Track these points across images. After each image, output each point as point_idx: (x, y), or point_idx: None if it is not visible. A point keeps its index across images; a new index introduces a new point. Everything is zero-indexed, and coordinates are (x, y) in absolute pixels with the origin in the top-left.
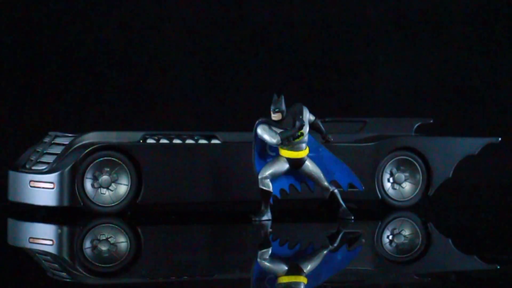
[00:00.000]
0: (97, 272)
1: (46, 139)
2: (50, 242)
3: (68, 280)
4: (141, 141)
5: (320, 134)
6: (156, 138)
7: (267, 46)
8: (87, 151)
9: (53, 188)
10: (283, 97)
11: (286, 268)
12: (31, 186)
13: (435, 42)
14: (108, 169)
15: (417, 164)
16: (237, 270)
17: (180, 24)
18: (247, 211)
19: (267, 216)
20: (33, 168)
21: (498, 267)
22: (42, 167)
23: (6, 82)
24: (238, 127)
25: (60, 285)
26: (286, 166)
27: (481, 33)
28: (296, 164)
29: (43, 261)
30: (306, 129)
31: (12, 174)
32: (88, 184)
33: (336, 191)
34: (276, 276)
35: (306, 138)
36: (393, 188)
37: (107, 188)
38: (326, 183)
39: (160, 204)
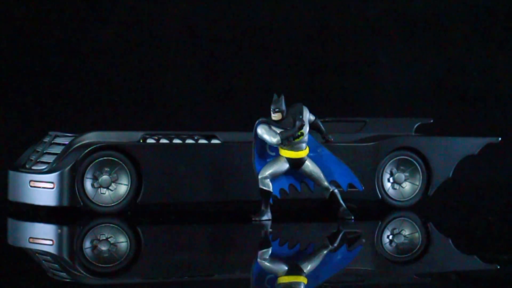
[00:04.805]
0: (97, 272)
1: (46, 139)
2: (50, 242)
3: (68, 280)
4: (141, 141)
5: (320, 134)
6: (156, 138)
7: (267, 46)
8: (87, 151)
9: (53, 188)
10: (283, 97)
11: (286, 268)
12: (31, 186)
13: (435, 42)
14: (108, 169)
15: (417, 164)
16: (237, 270)
17: (180, 24)
18: (247, 211)
19: (267, 216)
20: (33, 168)
21: (498, 267)
22: (42, 167)
23: (6, 82)
24: (238, 127)
25: (60, 285)
26: (286, 166)
27: (481, 33)
28: (296, 164)
29: (43, 261)
30: (306, 129)
31: (12, 174)
32: (88, 184)
33: (336, 191)
34: (276, 276)
35: (306, 138)
36: (393, 188)
37: (107, 188)
38: (326, 183)
39: (160, 204)
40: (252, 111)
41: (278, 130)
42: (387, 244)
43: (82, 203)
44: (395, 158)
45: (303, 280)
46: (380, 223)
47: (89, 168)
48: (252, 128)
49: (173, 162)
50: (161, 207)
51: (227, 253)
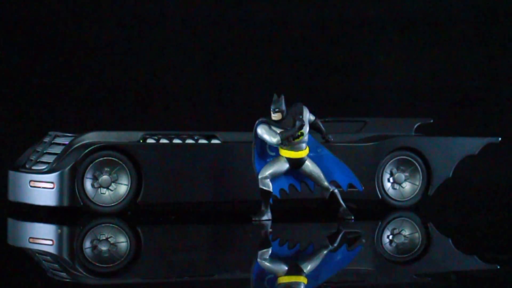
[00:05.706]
0: (97, 272)
1: (46, 139)
2: (50, 242)
3: (68, 280)
4: (141, 141)
5: (320, 134)
6: (156, 138)
7: (267, 46)
8: (87, 151)
9: (53, 188)
10: (283, 97)
11: (286, 268)
12: (31, 186)
13: (435, 42)
14: (108, 169)
15: (417, 164)
16: (237, 270)
17: (181, 24)
18: (247, 211)
19: (267, 216)
20: (33, 168)
21: (498, 267)
22: (42, 167)
23: (6, 82)
24: (238, 127)
25: (60, 285)
26: (286, 166)
27: (481, 33)
28: (296, 164)
29: (43, 261)
30: (306, 129)
31: (12, 174)
32: (88, 184)
33: (336, 191)
34: (276, 276)
35: (306, 138)
36: (393, 188)
37: (107, 188)
38: (326, 183)
39: (160, 204)
40: (252, 111)
41: (278, 130)
42: (387, 244)
43: (82, 203)
44: (395, 158)
45: (303, 280)
46: (380, 223)
47: (89, 168)
48: (252, 128)
49: (173, 162)
50: (161, 207)
51: (227, 253)
